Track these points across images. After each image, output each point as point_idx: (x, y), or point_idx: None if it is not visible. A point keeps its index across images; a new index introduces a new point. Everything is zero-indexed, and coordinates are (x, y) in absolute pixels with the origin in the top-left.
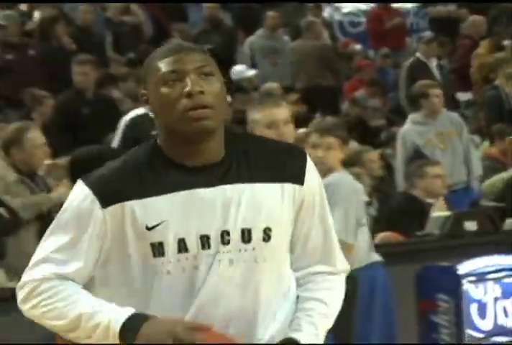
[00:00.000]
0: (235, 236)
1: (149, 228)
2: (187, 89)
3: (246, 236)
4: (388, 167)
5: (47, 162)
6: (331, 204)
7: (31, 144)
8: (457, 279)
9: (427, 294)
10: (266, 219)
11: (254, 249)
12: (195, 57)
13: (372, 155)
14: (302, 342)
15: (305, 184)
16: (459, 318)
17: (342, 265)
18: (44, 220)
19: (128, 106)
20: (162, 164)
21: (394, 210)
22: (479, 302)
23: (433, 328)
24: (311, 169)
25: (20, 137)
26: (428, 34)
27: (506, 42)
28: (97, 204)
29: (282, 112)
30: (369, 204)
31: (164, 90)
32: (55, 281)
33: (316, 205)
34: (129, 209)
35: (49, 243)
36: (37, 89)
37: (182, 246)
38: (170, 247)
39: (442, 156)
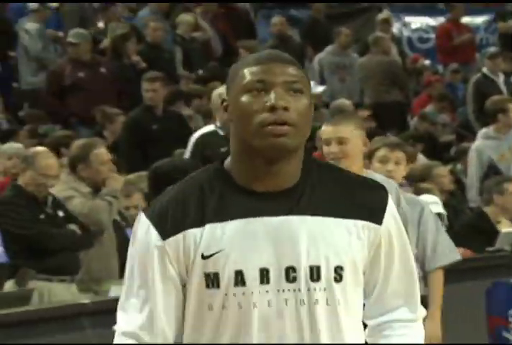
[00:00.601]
0: (302, 274)
1: (205, 257)
2: (270, 102)
3: (315, 274)
4: (458, 183)
5: (124, 176)
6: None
7: (97, 160)
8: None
9: (498, 310)
10: (337, 257)
11: (325, 289)
12: (287, 70)
13: (442, 170)
14: None
15: (383, 224)
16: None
17: (422, 311)
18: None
19: (198, 122)
20: (226, 188)
21: (465, 226)
22: None
23: (505, 344)
24: (391, 210)
25: (86, 154)
26: (493, 49)
27: None
28: (157, 236)
29: (336, 130)
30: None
31: (245, 99)
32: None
33: (395, 248)
34: (189, 238)
35: (126, 284)
36: (108, 107)
37: (239, 279)
38: (226, 279)
39: None
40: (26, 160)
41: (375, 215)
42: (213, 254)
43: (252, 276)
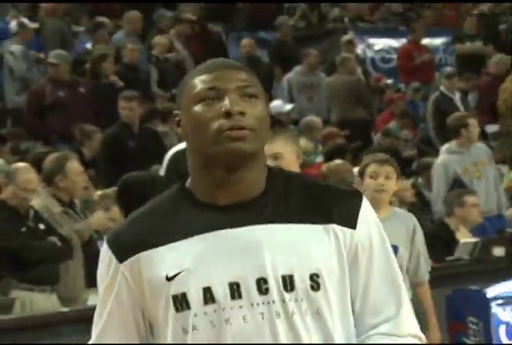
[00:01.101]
0: (274, 284)
1: (169, 279)
2: (226, 108)
3: (288, 283)
4: (419, 195)
5: (98, 192)
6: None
7: (73, 171)
8: (486, 302)
9: (457, 316)
10: (311, 264)
11: (302, 299)
12: (238, 75)
13: (405, 184)
14: None
15: (358, 228)
16: (488, 340)
17: (410, 329)
18: (87, 247)
19: (173, 139)
20: (188, 206)
21: (426, 236)
22: (507, 324)
23: None
24: (367, 214)
25: (62, 166)
26: (450, 69)
27: None
28: (114, 260)
29: (270, 147)
30: None
31: (198, 109)
32: None
33: (374, 254)
34: (146, 260)
35: (97, 312)
36: (87, 124)
37: (207, 296)
38: (194, 298)
39: (477, 184)
40: (7, 176)
41: (348, 219)
42: (177, 274)
43: (221, 292)
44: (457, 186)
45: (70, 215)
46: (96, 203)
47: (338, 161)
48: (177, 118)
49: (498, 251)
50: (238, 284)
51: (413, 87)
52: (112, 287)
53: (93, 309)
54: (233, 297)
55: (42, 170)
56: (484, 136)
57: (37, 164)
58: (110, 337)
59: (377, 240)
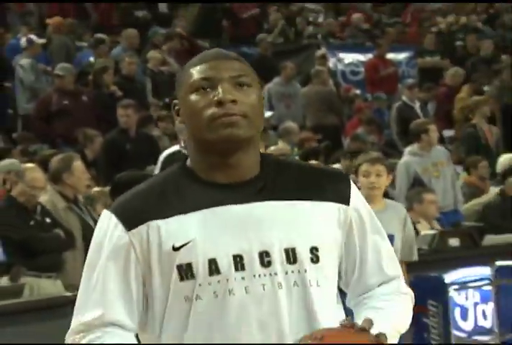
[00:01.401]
0: (277, 257)
1: (175, 249)
2: (218, 97)
3: (291, 256)
4: (384, 193)
5: (96, 189)
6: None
7: (78, 170)
8: (444, 287)
9: (419, 300)
10: (311, 238)
11: (305, 271)
12: (232, 65)
13: None
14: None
15: (351, 204)
16: (445, 321)
17: (407, 289)
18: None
19: (166, 143)
20: (189, 182)
21: None
22: (462, 306)
23: (425, 329)
24: (356, 193)
25: (69, 165)
26: (411, 81)
27: (486, 88)
28: (121, 228)
29: None
30: None
31: (193, 97)
32: (98, 333)
33: (366, 226)
34: (155, 229)
35: (87, 281)
36: (89, 129)
37: (213, 267)
38: (200, 268)
39: (436, 183)
40: (17, 175)
41: (341, 196)
42: (184, 245)
43: (226, 263)
44: (417, 184)
45: (74, 210)
46: (96, 199)
47: (312, 161)
48: (176, 107)
49: (454, 242)
50: (241, 257)
51: (379, 96)
52: (115, 255)
53: None
54: (236, 268)
55: (49, 170)
56: (442, 140)
57: (43, 164)
58: (113, 306)
59: (366, 213)
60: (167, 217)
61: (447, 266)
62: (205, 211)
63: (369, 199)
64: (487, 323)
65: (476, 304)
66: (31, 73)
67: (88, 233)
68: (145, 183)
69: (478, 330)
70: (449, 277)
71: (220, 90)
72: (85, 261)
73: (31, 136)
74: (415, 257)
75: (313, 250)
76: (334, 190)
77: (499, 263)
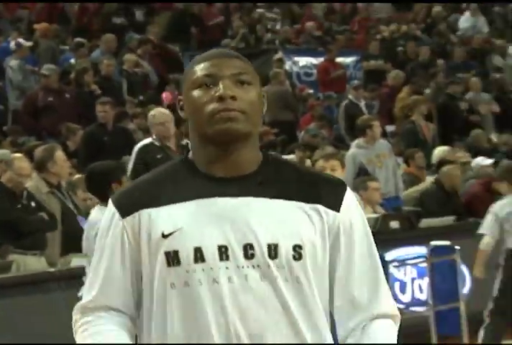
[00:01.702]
0: (260, 251)
1: (164, 236)
2: (219, 93)
3: (272, 251)
4: None
5: (77, 176)
6: None
7: (61, 158)
8: (385, 264)
9: None
10: (295, 236)
11: (284, 267)
12: (234, 63)
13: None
14: None
15: (342, 213)
16: None
17: (387, 308)
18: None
19: (140, 136)
20: (187, 174)
21: None
22: (401, 281)
23: None
24: (351, 203)
25: (52, 154)
26: (357, 82)
27: (427, 90)
28: (117, 215)
29: None
30: None
31: (196, 93)
32: (90, 317)
33: (355, 238)
34: (146, 217)
35: (93, 265)
36: (71, 123)
37: (198, 255)
38: (185, 256)
39: (379, 172)
40: (6, 163)
41: (333, 203)
42: (172, 233)
43: (210, 252)
44: (363, 174)
45: (56, 195)
46: (77, 185)
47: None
48: (181, 103)
49: (394, 224)
50: (226, 248)
51: (329, 95)
52: (113, 241)
53: (74, 269)
54: (221, 258)
55: (34, 158)
56: (384, 134)
57: (30, 154)
58: (107, 292)
59: (358, 226)
60: (160, 206)
61: (388, 245)
62: (197, 202)
63: None
64: (423, 296)
65: (413, 279)
66: (19, 73)
67: (68, 215)
68: (148, 174)
69: (415, 302)
70: (389, 255)
71: (221, 86)
72: (63, 241)
73: (19, 130)
74: None
75: (296, 248)
76: (328, 195)
77: (433, 243)
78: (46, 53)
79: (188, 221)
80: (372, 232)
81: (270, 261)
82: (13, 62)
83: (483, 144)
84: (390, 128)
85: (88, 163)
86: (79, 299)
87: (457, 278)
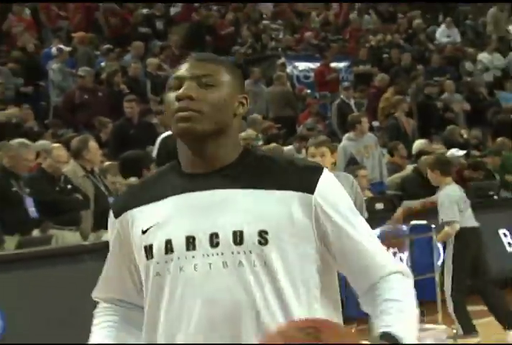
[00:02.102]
0: (225, 239)
1: (143, 232)
2: (177, 93)
3: (238, 238)
4: None
5: (107, 163)
6: None
7: (94, 147)
8: None
9: None
10: (260, 222)
11: (250, 251)
12: (204, 66)
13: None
14: (399, 335)
15: (318, 194)
16: None
17: (396, 267)
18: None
19: (162, 130)
20: (170, 174)
21: None
22: None
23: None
24: (328, 184)
25: (86, 144)
26: (348, 84)
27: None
28: (112, 216)
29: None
30: None
31: (168, 95)
32: (99, 308)
33: (338, 221)
34: (131, 216)
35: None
36: (103, 117)
37: (168, 247)
38: (157, 248)
39: (366, 161)
40: (47, 152)
41: (306, 186)
42: (149, 228)
43: (179, 243)
44: (352, 163)
45: (90, 179)
46: (108, 170)
47: (273, 144)
48: None
49: (379, 206)
50: (194, 238)
51: (324, 95)
52: (113, 240)
53: (105, 243)
54: (188, 248)
55: (71, 148)
56: (371, 128)
57: (67, 144)
58: (109, 285)
59: (340, 203)
60: (142, 205)
61: (374, 224)
62: (173, 198)
63: None
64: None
65: (395, 253)
66: (60, 74)
67: (100, 196)
68: (142, 178)
69: None
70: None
71: (183, 87)
72: (95, 218)
73: (59, 123)
74: (365, 215)
75: (262, 233)
76: (299, 180)
77: (413, 222)
78: (82, 57)
79: (163, 216)
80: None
81: (235, 248)
82: (54, 65)
83: (457, 137)
84: (376, 123)
85: (116, 152)
86: None
87: (433, 252)
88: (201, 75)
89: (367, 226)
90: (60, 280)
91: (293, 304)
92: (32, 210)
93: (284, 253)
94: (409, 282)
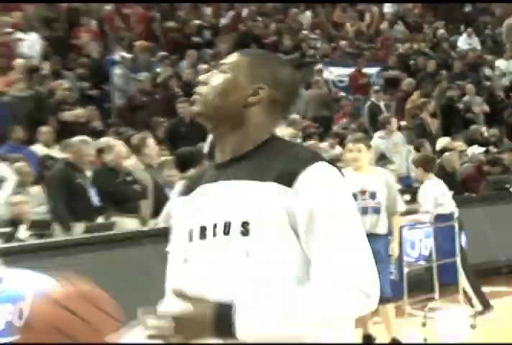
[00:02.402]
0: (214, 230)
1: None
2: None
3: (225, 229)
4: None
5: (163, 158)
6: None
7: (152, 144)
8: (401, 228)
9: None
10: (244, 213)
11: (232, 240)
12: (233, 57)
13: None
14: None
15: (294, 188)
16: (400, 250)
17: (348, 275)
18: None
19: None
20: (210, 166)
21: None
22: (411, 241)
23: None
24: (314, 177)
25: (145, 141)
26: (378, 87)
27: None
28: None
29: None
30: None
31: None
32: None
33: (317, 220)
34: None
35: None
36: (159, 117)
37: (182, 239)
38: (170, 240)
39: (395, 157)
40: (109, 148)
41: (286, 178)
42: (172, 222)
43: (185, 236)
44: (382, 158)
45: (149, 172)
46: (164, 164)
47: (311, 141)
48: None
49: (407, 197)
50: (192, 230)
51: (357, 98)
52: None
53: (162, 228)
54: (190, 240)
55: (131, 144)
56: (399, 128)
57: (128, 141)
58: (170, 261)
59: (322, 201)
60: (184, 195)
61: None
62: (195, 190)
63: (356, 168)
64: (428, 252)
65: (421, 239)
66: (122, 79)
67: (157, 187)
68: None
69: (422, 257)
70: (403, 221)
71: None
72: (153, 206)
73: (120, 122)
74: (400, 208)
75: (245, 224)
76: (282, 171)
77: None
78: (142, 64)
79: (180, 209)
80: None
81: (222, 238)
82: (117, 71)
83: (477, 136)
84: (403, 123)
85: (171, 148)
86: (166, 253)
87: (455, 239)
88: (223, 63)
89: (348, 228)
90: (122, 262)
91: (274, 289)
92: (95, 200)
93: (262, 242)
94: (341, 295)
